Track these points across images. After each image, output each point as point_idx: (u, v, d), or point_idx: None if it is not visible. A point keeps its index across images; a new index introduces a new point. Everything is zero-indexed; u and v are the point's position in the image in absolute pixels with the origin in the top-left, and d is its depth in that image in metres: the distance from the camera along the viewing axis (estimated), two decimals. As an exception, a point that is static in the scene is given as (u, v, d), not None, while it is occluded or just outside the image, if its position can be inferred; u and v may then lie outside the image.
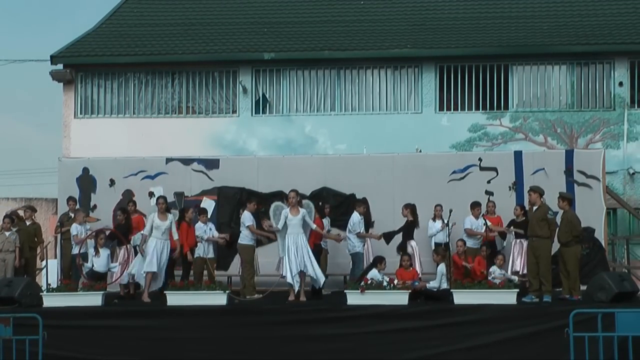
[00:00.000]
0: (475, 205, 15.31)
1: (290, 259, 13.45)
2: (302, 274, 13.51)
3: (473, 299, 12.62)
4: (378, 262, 14.08)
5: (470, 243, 15.08)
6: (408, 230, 15.16)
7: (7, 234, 15.15)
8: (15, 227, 15.56)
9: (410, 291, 13.01)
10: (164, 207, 14.10)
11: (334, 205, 15.97)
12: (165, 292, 13.37)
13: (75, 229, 14.95)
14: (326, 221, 15.22)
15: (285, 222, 13.54)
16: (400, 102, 21.36)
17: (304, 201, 14.14)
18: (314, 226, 13.73)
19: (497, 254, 14.66)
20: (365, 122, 20.96)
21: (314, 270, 13.50)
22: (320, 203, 15.43)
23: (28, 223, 15.92)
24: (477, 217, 15.27)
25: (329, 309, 12.96)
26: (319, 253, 14.45)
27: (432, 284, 13.81)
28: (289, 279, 13.49)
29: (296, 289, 13.52)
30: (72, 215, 15.72)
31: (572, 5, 22.71)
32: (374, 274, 13.69)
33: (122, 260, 14.38)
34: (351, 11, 23.04)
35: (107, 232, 14.89)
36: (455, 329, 12.42)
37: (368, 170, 16.47)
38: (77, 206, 16.04)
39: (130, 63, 21.47)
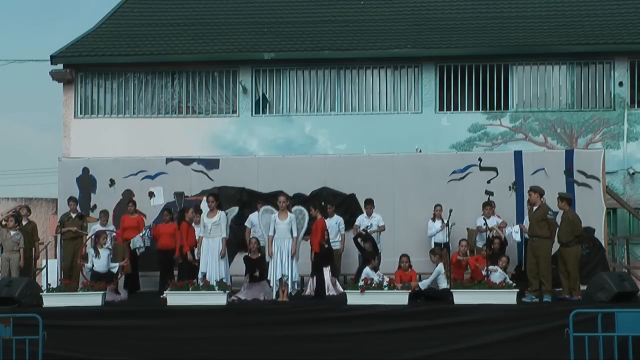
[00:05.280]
0: (485, 205, 15.32)
1: (275, 263, 13.53)
2: (282, 278, 13.56)
3: (473, 299, 12.61)
4: (371, 259, 14.11)
5: (480, 243, 15.05)
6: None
7: (12, 233, 15.14)
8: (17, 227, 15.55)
9: (410, 291, 13.01)
10: (214, 204, 14.01)
11: (335, 206, 15.95)
12: (165, 292, 13.38)
13: (93, 231, 14.96)
14: (334, 221, 15.24)
15: (274, 226, 13.62)
16: (400, 102, 21.35)
17: (296, 207, 14.09)
18: (295, 233, 13.63)
19: (501, 256, 14.56)
20: (365, 122, 20.95)
21: (290, 276, 13.55)
22: (323, 203, 15.44)
23: (24, 222, 15.91)
24: (488, 217, 15.19)
25: (329, 309, 12.96)
26: (323, 253, 14.41)
27: (425, 282, 13.80)
28: (272, 283, 13.64)
29: (274, 292, 13.60)
30: (73, 215, 15.72)
31: (572, 5, 22.71)
32: (367, 272, 13.73)
33: None
34: (351, 11, 23.03)
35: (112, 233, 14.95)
36: (455, 329, 12.42)
37: (368, 170, 16.47)
38: (77, 206, 16.03)
39: (130, 63, 21.47)
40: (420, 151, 18.40)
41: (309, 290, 14.56)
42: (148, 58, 21.36)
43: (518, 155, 16.50)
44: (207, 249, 13.85)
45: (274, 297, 13.62)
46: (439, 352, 12.38)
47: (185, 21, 22.86)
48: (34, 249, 16.00)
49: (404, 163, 16.67)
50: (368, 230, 15.11)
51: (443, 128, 20.81)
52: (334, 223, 15.34)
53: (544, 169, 16.08)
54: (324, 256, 14.34)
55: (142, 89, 21.77)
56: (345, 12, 23.00)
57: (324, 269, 14.36)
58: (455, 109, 21.18)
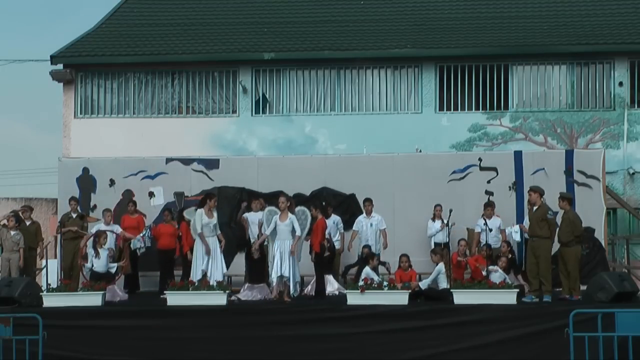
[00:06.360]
0: (487, 206, 15.29)
1: (275, 263, 13.52)
2: (282, 277, 13.53)
3: (473, 299, 12.60)
4: (370, 258, 14.12)
5: (480, 244, 15.00)
6: None
7: (12, 233, 15.14)
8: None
9: (410, 291, 13.01)
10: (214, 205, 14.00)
11: (334, 206, 15.95)
12: (165, 292, 13.37)
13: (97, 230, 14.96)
14: (332, 221, 15.25)
15: (275, 227, 13.60)
16: (400, 102, 21.36)
17: (299, 208, 14.08)
18: (298, 232, 13.60)
19: (501, 257, 14.50)
20: (365, 122, 20.96)
21: (291, 276, 13.52)
22: (323, 203, 15.43)
23: (28, 223, 15.92)
24: (489, 217, 15.13)
25: (329, 309, 12.96)
26: (323, 253, 14.41)
27: (425, 282, 13.80)
28: (273, 283, 13.63)
29: (275, 291, 13.60)
30: (73, 215, 15.72)
31: (572, 5, 22.72)
32: (367, 272, 13.73)
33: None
34: (351, 11, 23.04)
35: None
36: (455, 329, 12.42)
37: (368, 170, 16.47)
38: (78, 206, 16.01)
39: (130, 63, 21.48)
40: (420, 151, 18.40)
41: (309, 290, 14.56)
42: (148, 58, 21.37)
43: (518, 155, 16.49)
44: (205, 249, 13.82)
45: (275, 297, 13.61)
46: (439, 352, 12.38)
47: (185, 21, 22.86)
48: (38, 249, 16.00)
49: (404, 163, 16.67)
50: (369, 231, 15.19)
51: (443, 128, 20.82)
52: (332, 223, 15.31)
53: (544, 169, 16.08)
54: (325, 262, 14.30)
55: (142, 89, 21.78)
56: (345, 12, 23.00)
57: (326, 276, 14.39)
58: (455, 109, 21.18)
